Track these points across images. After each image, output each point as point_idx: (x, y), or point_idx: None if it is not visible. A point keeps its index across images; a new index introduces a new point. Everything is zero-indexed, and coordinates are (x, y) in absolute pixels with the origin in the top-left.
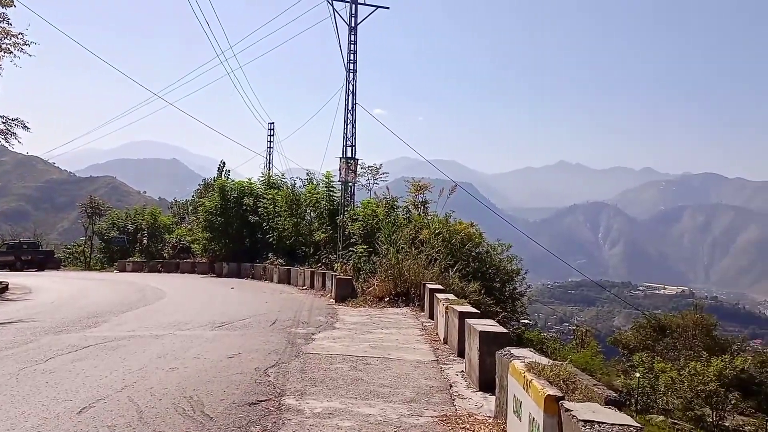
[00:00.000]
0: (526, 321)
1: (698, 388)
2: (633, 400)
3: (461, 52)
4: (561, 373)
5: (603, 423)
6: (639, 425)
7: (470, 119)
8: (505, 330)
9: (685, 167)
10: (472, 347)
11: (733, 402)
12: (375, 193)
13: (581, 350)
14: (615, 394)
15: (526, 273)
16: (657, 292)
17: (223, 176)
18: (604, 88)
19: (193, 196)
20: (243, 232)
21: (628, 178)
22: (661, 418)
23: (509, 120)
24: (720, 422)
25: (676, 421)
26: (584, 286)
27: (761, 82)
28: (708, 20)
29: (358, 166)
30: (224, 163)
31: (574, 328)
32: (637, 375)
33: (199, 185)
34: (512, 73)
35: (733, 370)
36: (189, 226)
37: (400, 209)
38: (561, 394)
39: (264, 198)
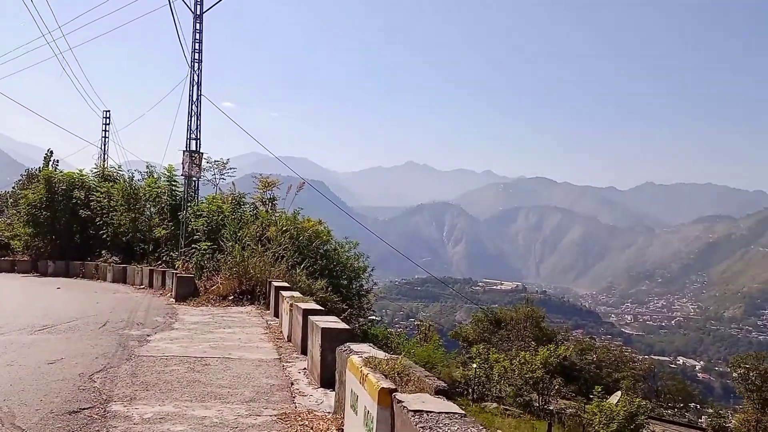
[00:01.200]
0: (373, 317)
1: (527, 376)
2: (470, 390)
3: (316, 50)
4: (396, 366)
5: (431, 412)
6: (462, 412)
7: (324, 118)
8: (347, 326)
9: (521, 171)
10: (315, 344)
11: (556, 387)
12: (221, 188)
13: (424, 344)
14: (445, 384)
15: (372, 270)
16: (495, 287)
17: (50, 166)
18: (448, 92)
19: (13, 188)
20: (73, 227)
21: (471, 180)
22: (495, 404)
23: (362, 120)
24: (545, 406)
25: (507, 406)
26: (429, 282)
27: (573, 97)
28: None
29: (204, 160)
30: (51, 152)
31: (418, 323)
32: (474, 366)
33: (21, 175)
34: (365, 75)
35: (557, 358)
36: (8, 221)
37: (248, 206)
38: (394, 387)
39: (97, 191)
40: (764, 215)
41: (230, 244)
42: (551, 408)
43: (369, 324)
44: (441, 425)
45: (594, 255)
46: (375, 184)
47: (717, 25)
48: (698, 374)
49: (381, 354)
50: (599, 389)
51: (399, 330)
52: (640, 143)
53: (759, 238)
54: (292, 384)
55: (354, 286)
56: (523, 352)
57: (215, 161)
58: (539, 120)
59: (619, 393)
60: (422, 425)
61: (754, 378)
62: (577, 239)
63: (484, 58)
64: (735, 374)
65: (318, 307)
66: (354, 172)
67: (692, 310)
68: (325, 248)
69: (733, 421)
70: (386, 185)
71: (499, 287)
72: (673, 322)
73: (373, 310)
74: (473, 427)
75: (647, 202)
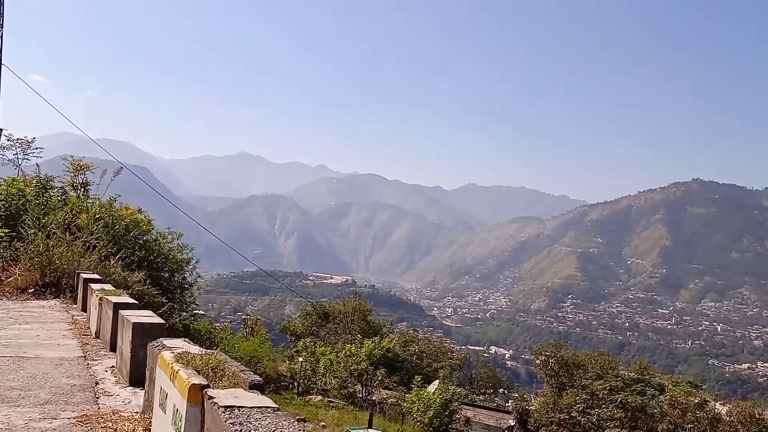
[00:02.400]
0: (198, 312)
1: (352, 368)
2: (296, 383)
3: (150, 21)
4: (210, 361)
5: (243, 407)
6: (275, 406)
7: (149, 100)
8: (161, 321)
9: (354, 167)
10: (125, 340)
11: (379, 378)
12: (23, 170)
13: (251, 339)
14: (260, 379)
15: (197, 262)
16: (325, 281)
17: None
18: (282, 82)
19: None
20: None
21: (305, 174)
22: (319, 397)
23: (193, 105)
24: (368, 397)
25: (332, 399)
26: (259, 276)
27: (406, 97)
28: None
29: (3, 137)
30: None
31: (245, 317)
32: (300, 360)
33: None
34: (200, 58)
35: (381, 350)
36: None
37: (56, 190)
38: (206, 383)
39: None
40: (567, 217)
41: (32, 231)
42: (374, 398)
43: (192, 319)
44: (252, 420)
45: (420, 251)
46: (205, 174)
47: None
48: (507, 362)
49: (195, 349)
50: (419, 379)
51: (225, 324)
52: (465, 147)
53: (562, 238)
54: (97, 383)
55: (176, 279)
56: (349, 345)
57: (18, 139)
58: (373, 118)
59: (437, 382)
60: (232, 421)
61: (552, 364)
62: (406, 235)
63: (313, 53)
64: (537, 361)
65: (131, 300)
66: (182, 159)
67: (505, 303)
68: (145, 238)
69: (534, 404)
70: (217, 175)
71: (329, 281)
72: (488, 314)
73: (197, 304)
74: (285, 420)
75: (469, 202)
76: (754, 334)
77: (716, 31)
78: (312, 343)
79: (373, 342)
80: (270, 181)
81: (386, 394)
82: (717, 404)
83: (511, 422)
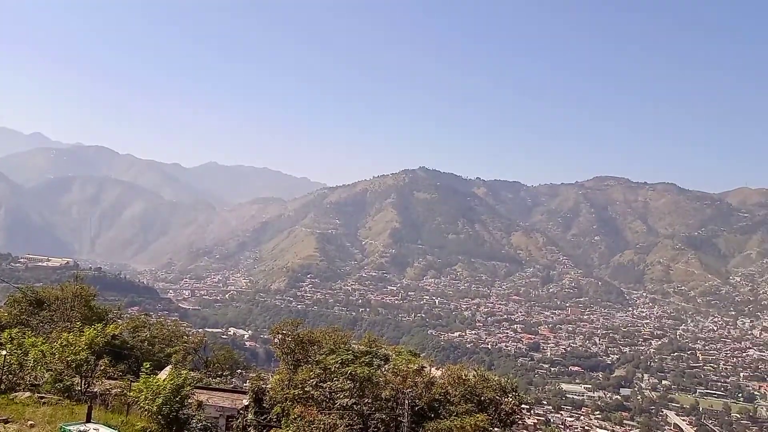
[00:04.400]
0: None
1: (69, 359)
2: None
3: None
4: None
5: None
6: None
7: None
8: None
9: (78, 138)
10: None
11: (102, 368)
12: None
13: None
14: None
15: None
16: (40, 264)
17: None
18: None
19: None
20: None
21: (15, 142)
22: (28, 393)
23: None
24: (88, 389)
25: (44, 394)
26: None
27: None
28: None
29: None
30: None
31: None
32: (3, 353)
33: None
34: None
35: (105, 337)
36: None
37: None
38: None
39: None
40: (308, 199)
41: None
42: (95, 390)
43: None
44: None
45: (155, 231)
46: None
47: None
48: (246, 342)
49: None
50: (148, 366)
51: None
52: (206, 124)
53: (302, 219)
54: None
55: None
56: (66, 334)
57: None
58: (102, 80)
59: (169, 367)
60: None
61: (289, 342)
62: (139, 214)
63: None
64: (275, 340)
65: None
66: None
67: (245, 284)
68: None
69: (270, 382)
70: None
71: (45, 264)
72: (227, 295)
73: None
74: None
75: (210, 181)
76: (464, 306)
77: (441, 32)
78: (20, 334)
79: (95, 329)
80: None
81: (110, 384)
82: (433, 369)
83: (246, 402)
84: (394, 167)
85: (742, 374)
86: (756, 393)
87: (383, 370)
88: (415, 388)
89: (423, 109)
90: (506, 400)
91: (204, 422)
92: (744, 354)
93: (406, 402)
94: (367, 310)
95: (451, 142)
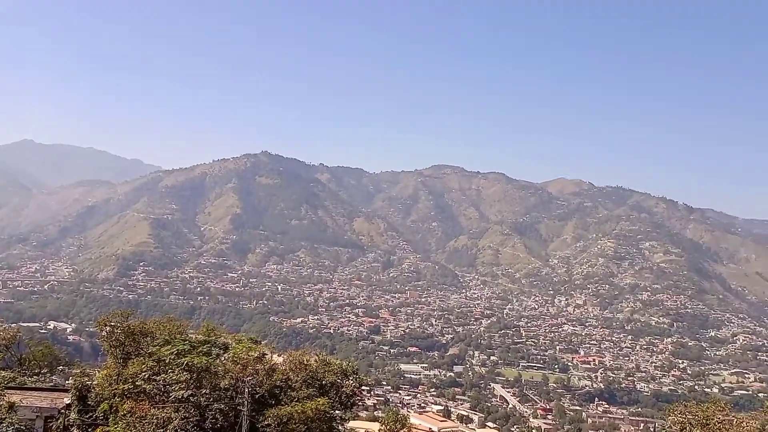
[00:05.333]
0: None
1: None
2: None
3: None
4: None
5: None
6: None
7: None
8: None
9: None
10: None
11: None
12: None
13: None
14: None
15: None
16: None
17: None
18: None
19: None
20: None
21: None
22: None
23: None
24: None
25: None
26: None
27: None
28: None
29: None
30: None
31: None
32: None
33: None
34: None
35: None
36: None
37: None
38: None
39: None
40: (140, 182)
41: None
42: None
43: None
44: None
45: None
46: None
47: None
48: (69, 337)
49: None
50: None
51: None
52: (18, 96)
53: (134, 203)
54: None
55: None
56: None
57: None
58: None
59: None
60: None
61: (118, 334)
62: None
63: None
64: (102, 333)
65: None
66: None
67: (67, 274)
68: None
69: (96, 378)
70: None
71: None
72: (46, 286)
73: None
74: None
75: (26, 161)
76: (307, 292)
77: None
78: None
79: None
80: None
81: None
82: (274, 356)
83: (67, 400)
84: (235, 151)
85: (558, 347)
86: (569, 364)
87: (222, 359)
88: (255, 376)
89: (266, 91)
90: (347, 383)
91: (17, 425)
92: (560, 329)
93: (246, 390)
94: (206, 298)
95: (295, 127)
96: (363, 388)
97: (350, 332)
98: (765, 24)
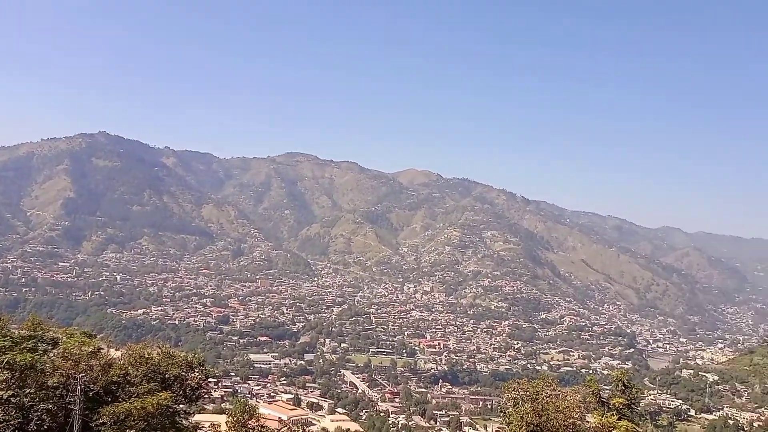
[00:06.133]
0: None
1: None
2: None
3: None
4: None
5: None
6: None
7: None
8: None
9: None
10: None
11: None
12: None
13: None
14: None
15: None
16: None
17: None
18: None
19: None
20: None
21: None
22: None
23: None
24: None
25: None
26: None
27: None
28: None
29: None
30: None
31: None
32: None
33: None
34: None
35: None
36: None
37: None
38: None
39: None
40: None
41: None
42: None
43: None
44: None
45: None
46: None
47: None
48: None
49: None
50: None
51: None
52: None
53: None
54: None
55: None
56: None
57: None
58: None
59: None
60: None
61: None
62: None
63: None
64: None
65: None
66: None
67: None
68: None
69: None
70: None
71: None
72: None
73: None
74: None
75: None
76: (150, 281)
77: None
78: None
79: None
80: None
81: None
82: (111, 350)
83: None
84: (68, 130)
85: (406, 333)
86: (416, 348)
87: (51, 355)
88: (89, 372)
89: (103, 67)
90: (192, 375)
91: None
92: (408, 315)
93: (79, 388)
94: (33, 289)
95: (136, 107)
96: (210, 380)
97: (197, 323)
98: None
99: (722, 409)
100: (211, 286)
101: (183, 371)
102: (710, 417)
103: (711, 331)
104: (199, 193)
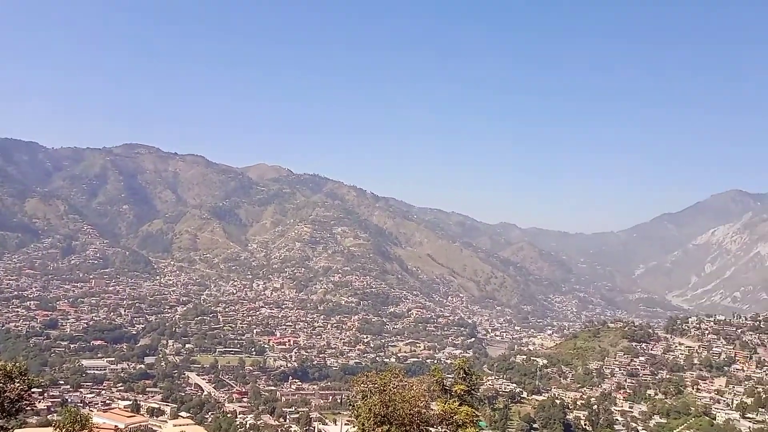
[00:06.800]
0: None
1: None
2: None
3: None
4: None
5: None
6: None
7: None
8: None
9: None
10: None
11: None
12: None
13: None
14: None
15: None
16: None
17: None
18: None
19: None
20: None
21: None
22: None
23: None
24: None
25: None
26: None
27: None
28: None
29: None
30: None
31: None
32: None
33: None
34: None
35: None
36: None
37: None
38: None
39: None
40: None
41: None
42: None
43: None
44: None
45: None
46: None
47: None
48: None
49: None
50: None
51: None
52: None
53: None
54: None
55: None
56: None
57: None
58: None
59: None
60: None
61: None
62: None
63: None
64: None
65: None
66: None
67: None
68: None
69: None
70: None
71: None
72: None
73: None
74: None
75: None
76: None
77: None
78: None
79: None
80: None
81: None
82: None
83: None
84: None
85: (255, 331)
86: (266, 346)
87: None
88: None
89: None
90: (12, 386)
91: None
92: (258, 312)
93: None
94: None
95: None
96: (33, 390)
97: (19, 328)
98: None
99: (550, 390)
100: (36, 287)
101: (1, 382)
102: (540, 398)
103: (541, 318)
104: (23, 185)
